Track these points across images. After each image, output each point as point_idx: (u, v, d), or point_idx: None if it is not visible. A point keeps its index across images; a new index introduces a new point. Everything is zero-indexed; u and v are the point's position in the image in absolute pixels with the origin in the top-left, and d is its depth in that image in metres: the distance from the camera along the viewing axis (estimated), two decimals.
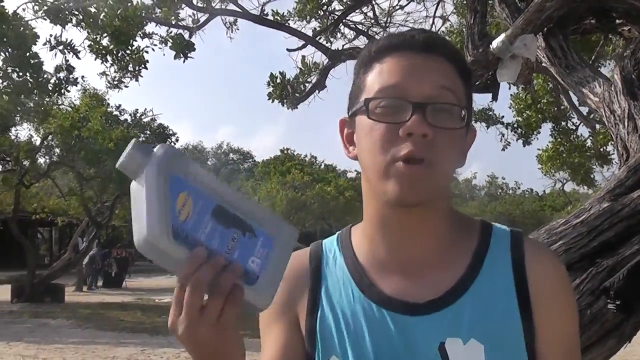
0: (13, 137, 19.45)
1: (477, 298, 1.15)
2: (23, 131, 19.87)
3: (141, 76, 9.69)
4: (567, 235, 2.94)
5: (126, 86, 10.17)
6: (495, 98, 6.90)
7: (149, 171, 0.93)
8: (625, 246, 2.83)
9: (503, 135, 11.93)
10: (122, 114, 23.54)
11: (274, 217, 1.03)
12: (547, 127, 11.44)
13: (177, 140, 26.11)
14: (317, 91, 8.95)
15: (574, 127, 11.65)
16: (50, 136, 19.02)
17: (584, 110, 8.85)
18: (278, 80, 9.12)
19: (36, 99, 13.91)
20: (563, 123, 11.38)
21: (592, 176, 13.64)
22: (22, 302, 17.65)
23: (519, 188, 54.13)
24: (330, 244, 1.32)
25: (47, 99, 14.70)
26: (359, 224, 1.29)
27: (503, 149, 12.26)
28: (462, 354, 1.12)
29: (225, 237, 0.96)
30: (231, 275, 0.94)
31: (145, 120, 23.85)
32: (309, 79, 9.30)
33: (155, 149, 0.96)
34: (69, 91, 11.72)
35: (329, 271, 1.27)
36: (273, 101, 9.39)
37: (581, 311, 2.64)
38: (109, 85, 10.20)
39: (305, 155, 46.73)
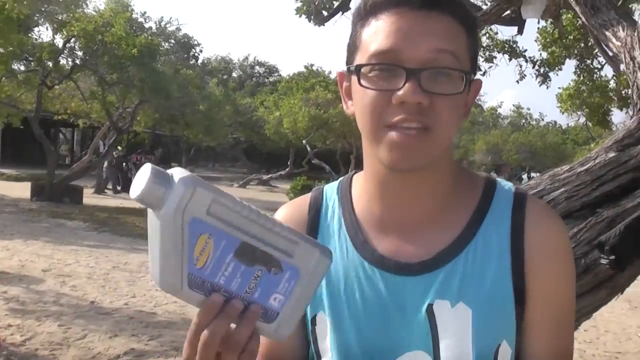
0: (35, 38, 19.40)
1: (471, 261, 1.13)
2: (45, 32, 19.74)
3: None
4: (570, 183, 2.91)
5: None
6: (520, 32, 6.77)
7: (166, 215, 0.86)
8: (628, 198, 2.80)
9: (521, 66, 11.72)
10: (147, 21, 23.39)
11: (307, 244, 0.94)
12: (570, 65, 11.23)
13: (201, 50, 26.10)
14: (341, 12, 8.78)
15: (599, 67, 11.39)
16: (73, 39, 18.91)
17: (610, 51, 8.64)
18: None
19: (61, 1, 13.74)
20: (588, 61, 11.11)
21: (609, 118, 13.39)
22: (42, 201, 17.91)
23: (542, 120, 53.55)
24: (331, 192, 1.30)
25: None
26: (360, 173, 1.27)
27: (517, 81, 12.14)
28: (449, 317, 1.12)
29: (248, 276, 0.91)
30: (246, 329, 0.92)
31: (170, 29, 23.64)
32: None
33: (176, 181, 0.87)
34: None
35: (326, 223, 1.26)
36: (300, 16, 9.29)
37: (576, 260, 2.63)
38: None
39: (330, 72, 46.32)
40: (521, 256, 1.13)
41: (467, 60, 1.10)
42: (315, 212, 1.27)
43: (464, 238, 1.15)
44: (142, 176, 0.86)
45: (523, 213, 1.15)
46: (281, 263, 0.92)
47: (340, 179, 1.33)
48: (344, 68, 1.19)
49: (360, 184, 1.25)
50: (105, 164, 24.03)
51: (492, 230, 1.15)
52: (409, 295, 1.14)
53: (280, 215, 1.30)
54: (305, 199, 1.31)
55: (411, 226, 1.17)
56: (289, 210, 1.30)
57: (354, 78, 1.12)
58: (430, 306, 1.12)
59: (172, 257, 0.87)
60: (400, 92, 1.04)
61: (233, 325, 0.92)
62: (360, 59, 1.11)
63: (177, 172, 0.89)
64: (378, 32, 1.08)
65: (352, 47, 1.15)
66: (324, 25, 9.22)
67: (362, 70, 1.09)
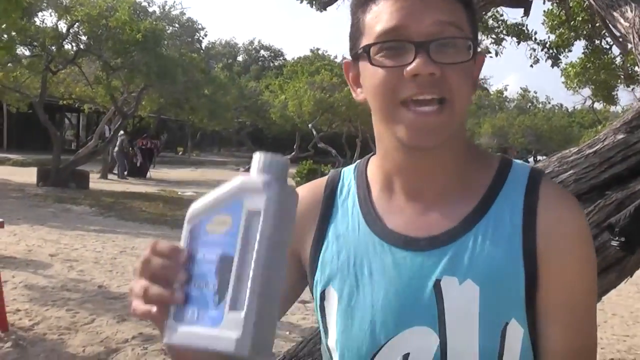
0: (39, 23, 19.38)
1: (481, 238, 1.12)
2: (49, 17, 19.72)
3: None
4: (579, 165, 2.89)
5: None
6: (527, 13, 6.71)
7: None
8: (637, 180, 2.78)
9: (534, 50, 11.65)
10: (151, 5, 23.34)
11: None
12: (579, 46, 11.18)
13: (205, 35, 26.03)
14: None
15: (607, 47, 11.31)
16: (77, 24, 18.88)
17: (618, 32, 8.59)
18: None
19: None
20: (597, 42, 11.04)
21: (614, 94, 13.34)
22: (48, 186, 17.96)
23: (549, 103, 53.43)
24: (348, 172, 1.32)
25: None
26: (376, 156, 1.27)
27: (531, 66, 12.06)
28: (456, 294, 1.11)
29: (211, 277, 0.85)
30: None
31: (174, 13, 23.59)
32: None
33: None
34: None
35: (341, 201, 1.27)
36: (302, 2, 9.19)
37: None
38: None
39: (335, 57, 46.19)
40: (533, 238, 1.11)
41: (469, 30, 1.12)
42: (331, 191, 1.29)
43: (475, 216, 1.14)
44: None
45: (537, 194, 1.14)
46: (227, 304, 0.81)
47: (358, 161, 1.34)
48: (349, 58, 1.20)
49: (376, 164, 1.26)
50: (116, 148, 24.08)
51: (504, 210, 1.14)
52: (416, 271, 1.14)
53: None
54: (323, 180, 1.33)
55: (424, 202, 1.18)
56: (305, 190, 1.31)
57: (362, 63, 1.13)
58: (437, 282, 1.12)
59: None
60: (412, 65, 1.05)
61: None
62: (366, 42, 1.12)
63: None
64: (380, 14, 1.09)
65: (356, 34, 1.16)
66: (325, 10, 9.14)
67: (371, 51, 1.10)
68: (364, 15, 1.13)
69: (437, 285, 1.12)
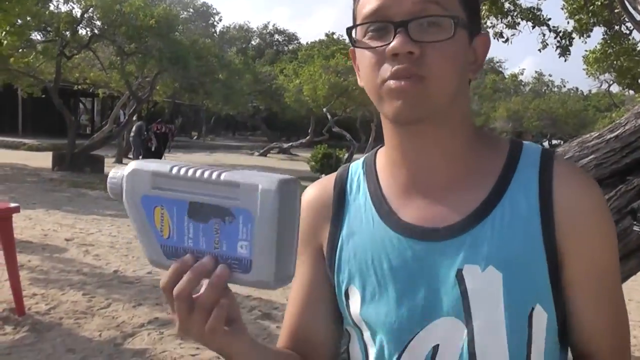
0: (53, 8, 19.42)
1: (499, 224, 1.10)
2: (63, 4, 19.73)
3: None
4: (600, 150, 2.84)
5: None
6: None
7: (125, 202, 0.97)
8: None
9: (544, 35, 11.52)
10: None
11: (248, 181, 0.91)
12: (598, 32, 11.05)
13: (220, 19, 26.12)
14: None
15: (627, 32, 11.15)
16: (91, 9, 18.89)
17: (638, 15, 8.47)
18: None
19: None
20: (616, 27, 10.90)
21: (639, 81, 13.19)
22: (63, 171, 18.06)
23: (564, 86, 53.08)
24: (356, 168, 1.30)
25: None
26: (384, 147, 1.26)
27: (539, 50, 11.95)
28: (480, 282, 1.09)
29: (209, 232, 0.93)
30: (212, 287, 0.94)
31: None
32: None
33: (125, 174, 0.97)
34: None
35: (352, 197, 1.26)
36: None
37: None
38: None
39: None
40: (551, 217, 1.10)
41: (460, 9, 1.09)
42: (341, 189, 1.28)
43: (491, 201, 1.13)
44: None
45: (550, 174, 1.12)
46: (231, 210, 0.91)
47: (365, 155, 1.33)
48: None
49: (383, 155, 1.25)
50: (132, 133, 24.13)
51: (519, 193, 1.12)
52: (437, 262, 1.12)
53: (307, 195, 1.31)
54: (331, 177, 1.32)
55: (435, 192, 1.16)
56: (315, 189, 1.31)
57: (357, 50, 1.15)
58: (459, 271, 1.10)
59: (144, 235, 0.97)
60: (391, 44, 1.05)
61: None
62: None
63: (129, 165, 0.98)
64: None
65: (353, 21, 1.17)
66: None
67: (358, 35, 1.12)
68: (356, 3, 1.14)
69: (459, 275, 1.10)
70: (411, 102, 1.06)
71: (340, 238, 1.22)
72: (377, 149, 1.30)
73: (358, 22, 1.12)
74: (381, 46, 1.07)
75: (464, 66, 1.11)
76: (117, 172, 0.98)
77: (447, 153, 1.15)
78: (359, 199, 1.24)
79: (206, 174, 0.92)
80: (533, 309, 1.10)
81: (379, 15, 1.08)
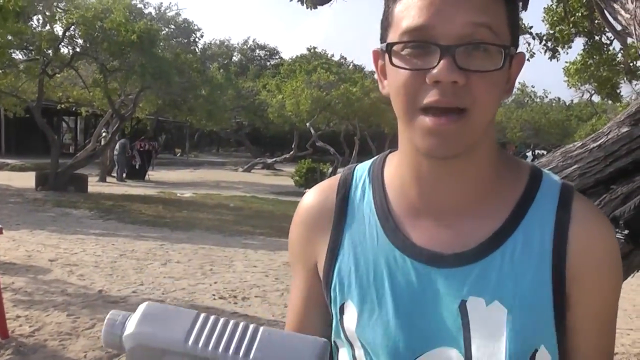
0: (35, 26, 19.33)
1: (509, 257, 1.06)
2: (44, 22, 19.64)
3: None
4: (583, 159, 2.84)
5: None
6: (525, 7, 6.65)
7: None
8: None
9: (529, 44, 11.57)
10: (146, 7, 23.31)
11: None
12: (579, 42, 11.11)
13: (202, 35, 26.13)
14: None
15: (607, 42, 11.24)
16: (72, 27, 18.84)
17: (618, 25, 8.56)
18: None
19: None
20: (597, 37, 10.98)
21: (618, 91, 13.31)
22: (46, 191, 17.92)
23: (546, 97, 53.48)
24: (362, 171, 1.23)
25: None
26: (395, 153, 1.19)
27: (528, 59, 12.00)
28: (483, 316, 1.05)
29: None
30: None
31: (169, 14, 23.56)
32: None
33: (126, 330, 0.83)
34: None
35: (355, 206, 1.19)
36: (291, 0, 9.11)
37: None
38: None
39: (332, 55, 46.14)
40: (563, 259, 1.05)
41: (507, 33, 1.03)
42: (344, 194, 1.20)
43: (504, 232, 1.07)
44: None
45: (569, 212, 1.07)
46: None
47: (373, 159, 1.25)
48: (380, 45, 1.11)
49: (394, 165, 1.18)
50: (116, 151, 24.03)
51: (534, 226, 1.07)
52: (441, 289, 1.07)
53: (306, 202, 1.24)
54: (334, 180, 1.24)
55: (447, 215, 1.10)
56: (315, 195, 1.24)
57: (387, 58, 1.05)
58: (463, 302, 1.06)
59: None
60: (434, 71, 0.97)
61: None
62: (392, 36, 1.04)
63: (130, 322, 0.84)
64: (410, 8, 1.01)
65: (385, 23, 1.08)
66: (316, 8, 9.03)
67: (395, 48, 1.02)
68: (395, 4, 1.05)
69: (462, 306, 1.06)
70: (448, 140, 1.00)
71: (342, 248, 1.16)
72: (386, 155, 1.23)
73: (396, 31, 1.03)
74: (422, 70, 0.99)
75: (501, 92, 1.05)
76: (116, 322, 0.85)
77: (469, 180, 1.09)
78: (363, 208, 1.18)
79: (231, 350, 0.79)
80: (537, 350, 1.06)
81: (422, 33, 0.99)
